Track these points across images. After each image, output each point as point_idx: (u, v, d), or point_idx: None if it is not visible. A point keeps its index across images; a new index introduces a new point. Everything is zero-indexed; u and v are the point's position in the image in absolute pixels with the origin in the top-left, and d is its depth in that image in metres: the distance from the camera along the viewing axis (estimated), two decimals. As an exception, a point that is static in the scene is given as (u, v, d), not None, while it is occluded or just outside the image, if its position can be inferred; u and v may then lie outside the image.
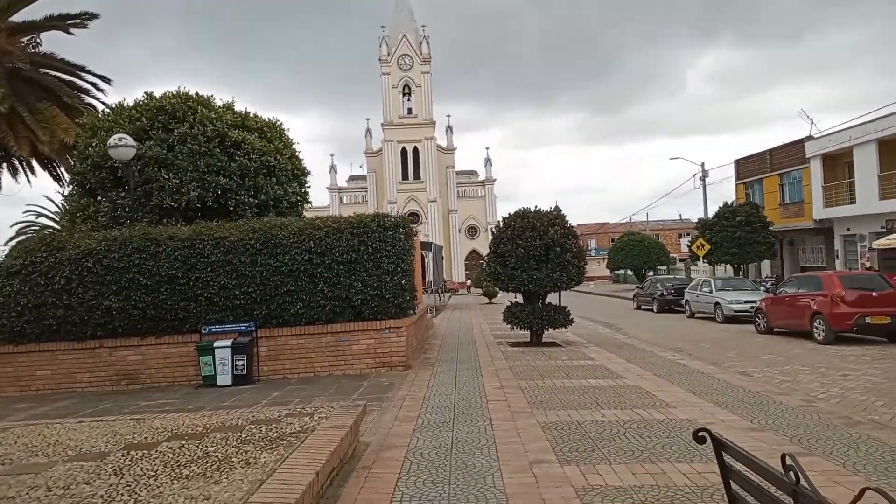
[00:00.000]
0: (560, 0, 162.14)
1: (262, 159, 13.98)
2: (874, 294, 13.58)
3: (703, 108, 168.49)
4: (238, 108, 14.88)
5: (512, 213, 14.41)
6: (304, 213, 15.83)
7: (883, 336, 13.81)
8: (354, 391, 9.01)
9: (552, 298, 14.47)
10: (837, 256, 27.50)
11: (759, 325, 16.68)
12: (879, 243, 23.36)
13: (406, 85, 64.36)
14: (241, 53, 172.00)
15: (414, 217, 61.44)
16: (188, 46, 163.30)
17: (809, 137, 28.65)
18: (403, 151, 63.93)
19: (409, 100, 64.69)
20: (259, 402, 8.48)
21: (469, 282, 56.50)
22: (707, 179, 36.45)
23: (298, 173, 15.70)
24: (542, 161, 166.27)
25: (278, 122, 15.60)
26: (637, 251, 46.48)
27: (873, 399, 8.18)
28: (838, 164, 27.58)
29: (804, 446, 5.72)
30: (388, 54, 63.77)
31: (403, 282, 10.85)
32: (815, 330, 14.09)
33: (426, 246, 26.96)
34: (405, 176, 63.89)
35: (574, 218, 14.47)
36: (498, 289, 15.16)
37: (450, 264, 62.80)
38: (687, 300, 22.83)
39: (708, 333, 17.10)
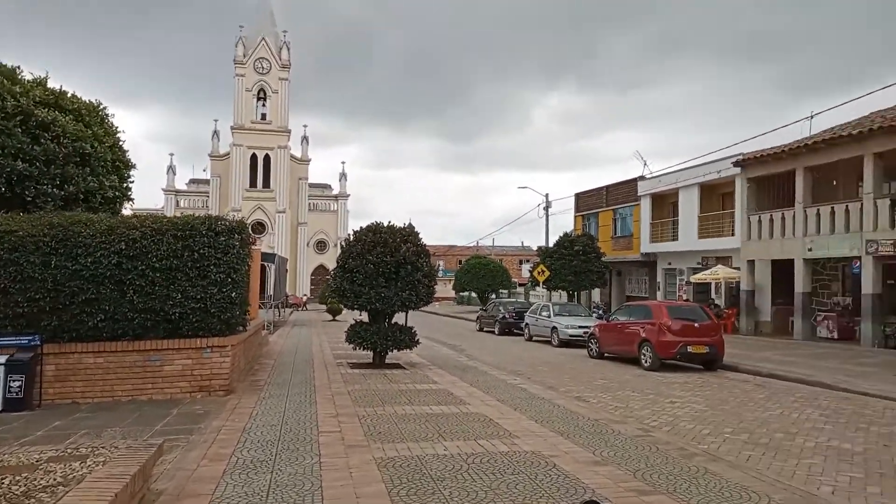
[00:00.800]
0: (419, 26, 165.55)
1: (76, 145, 11.97)
2: (696, 325, 14.58)
3: (549, 145, 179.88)
4: (53, 84, 12.73)
5: (364, 226, 13.66)
6: (125, 212, 13.89)
7: (700, 364, 14.84)
8: (159, 421, 7.63)
9: (398, 318, 13.87)
10: (659, 288, 29.96)
11: (591, 349, 17.35)
12: (695, 278, 25.75)
13: (262, 89, 61.45)
14: (78, 42, 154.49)
15: (259, 227, 58.36)
16: (16, 34, 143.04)
17: (642, 177, 31.12)
18: (254, 158, 60.71)
19: (264, 105, 61.76)
20: (29, 434, 6.85)
21: (305, 297, 54.42)
22: (550, 210, 38.41)
23: (120, 165, 13.76)
24: (399, 182, 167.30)
25: (101, 107, 13.61)
26: (482, 274, 47.65)
27: (700, 427, 8.45)
28: (665, 203, 30.20)
29: (648, 482, 5.52)
30: (245, 56, 60.61)
31: (234, 294, 9.61)
32: (642, 356, 14.82)
33: (269, 257, 25.31)
34: (253, 183, 60.63)
35: (425, 239, 14.04)
36: (343, 306, 14.27)
37: (295, 278, 60.32)
38: (527, 323, 23.42)
39: (545, 357, 17.47)
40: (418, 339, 13.92)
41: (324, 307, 38.91)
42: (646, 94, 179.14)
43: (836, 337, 20.35)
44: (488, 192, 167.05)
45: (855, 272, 19.92)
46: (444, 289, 60.60)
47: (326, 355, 15.84)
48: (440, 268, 73.71)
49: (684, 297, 27.05)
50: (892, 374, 12.64)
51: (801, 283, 21.17)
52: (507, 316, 25.87)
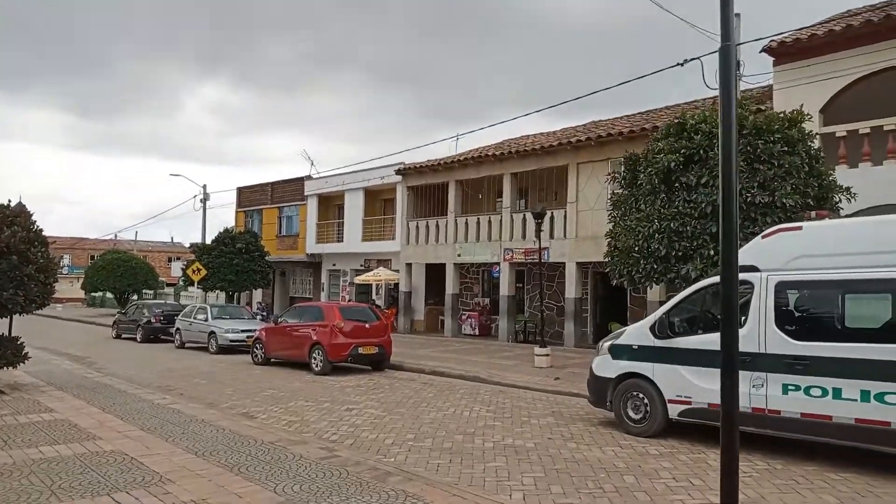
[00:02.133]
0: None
1: None
2: (366, 325, 14.34)
3: (202, 137, 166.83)
4: None
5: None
6: None
7: (368, 365, 14.68)
8: None
9: (-3, 326, 10.35)
10: (323, 289, 29.80)
11: (256, 355, 15.90)
12: (358, 279, 26.22)
13: None
14: None
15: None
16: None
17: (309, 177, 30.60)
18: None
19: None
20: None
21: None
22: (208, 203, 35.13)
23: None
24: (11, 159, 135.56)
25: None
26: (121, 272, 41.26)
27: (383, 437, 7.88)
28: (331, 205, 30.21)
29: (348, 524, 4.54)
30: None
31: None
32: (313, 360, 13.99)
33: None
34: None
35: (45, 228, 10.85)
36: None
37: None
38: (178, 328, 20.66)
39: (202, 366, 15.35)
40: (28, 353, 10.62)
41: None
42: (307, 101, 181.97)
43: (477, 333, 22.74)
44: (130, 180, 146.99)
45: (494, 276, 22.57)
46: (71, 288, 51.36)
47: None
48: (65, 262, 62.26)
49: (347, 297, 27.33)
50: (529, 366, 14.26)
51: (451, 286, 23.10)
52: (153, 320, 22.47)
